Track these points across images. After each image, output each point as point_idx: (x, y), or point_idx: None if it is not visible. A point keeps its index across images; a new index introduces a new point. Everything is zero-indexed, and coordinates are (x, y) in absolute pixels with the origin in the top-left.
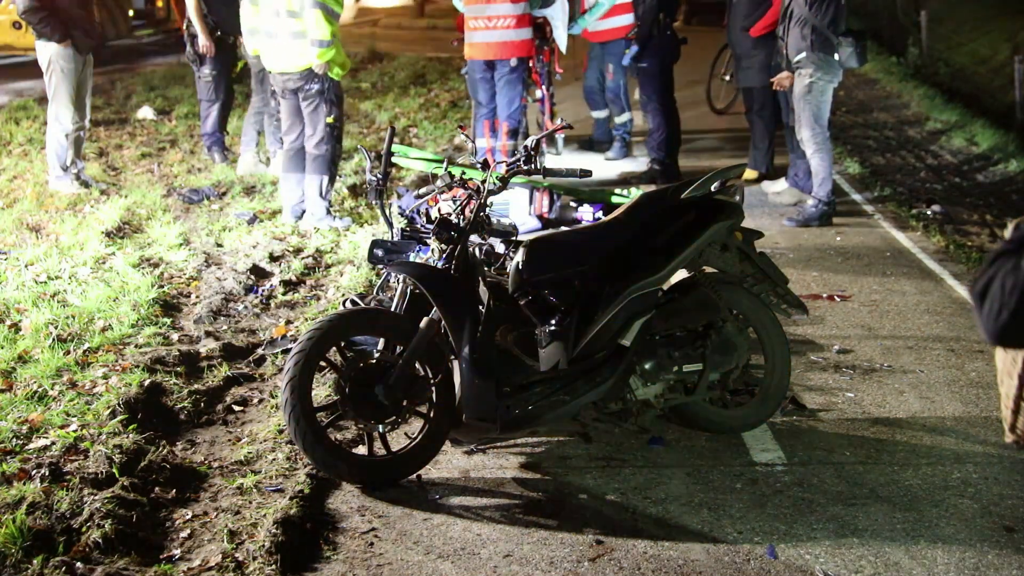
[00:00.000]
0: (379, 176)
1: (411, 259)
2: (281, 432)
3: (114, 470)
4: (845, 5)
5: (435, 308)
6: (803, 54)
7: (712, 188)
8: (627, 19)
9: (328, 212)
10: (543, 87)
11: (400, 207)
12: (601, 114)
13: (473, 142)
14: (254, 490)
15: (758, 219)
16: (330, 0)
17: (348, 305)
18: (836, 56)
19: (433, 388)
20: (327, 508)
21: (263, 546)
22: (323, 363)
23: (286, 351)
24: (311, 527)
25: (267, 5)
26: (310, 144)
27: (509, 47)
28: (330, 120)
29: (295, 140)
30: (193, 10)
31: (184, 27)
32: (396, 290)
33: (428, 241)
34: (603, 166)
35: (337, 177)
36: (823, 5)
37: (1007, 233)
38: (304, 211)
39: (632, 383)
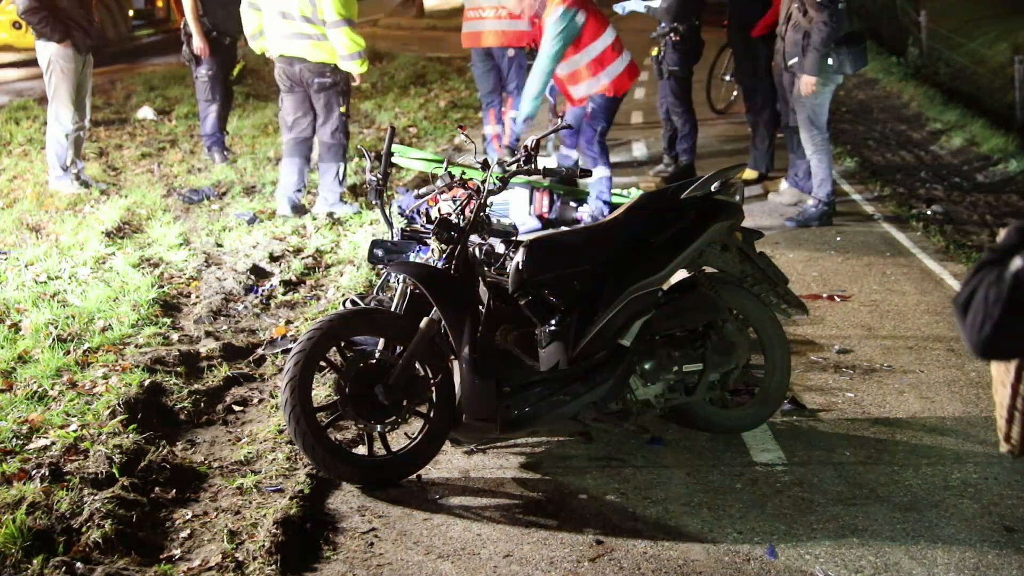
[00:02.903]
0: (379, 176)
1: (411, 259)
2: (281, 432)
3: (114, 470)
4: (844, 12)
5: (435, 308)
6: (796, 59)
7: (712, 188)
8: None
9: (341, 199)
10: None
11: (400, 207)
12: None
13: (473, 142)
14: (254, 490)
15: (758, 219)
16: (350, 11)
17: (348, 305)
18: (830, 61)
19: (433, 388)
20: (327, 508)
21: (263, 546)
22: (323, 363)
23: (286, 351)
24: (311, 527)
25: (270, 7)
26: (325, 134)
27: (499, 36)
28: (342, 110)
29: (301, 131)
30: (189, 11)
31: (182, 27)
32: (396, 290)
33: (428, 241)
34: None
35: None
36: (820, 13)
37: (1000, 238)
38: (298, 200)
39: (632, 383)
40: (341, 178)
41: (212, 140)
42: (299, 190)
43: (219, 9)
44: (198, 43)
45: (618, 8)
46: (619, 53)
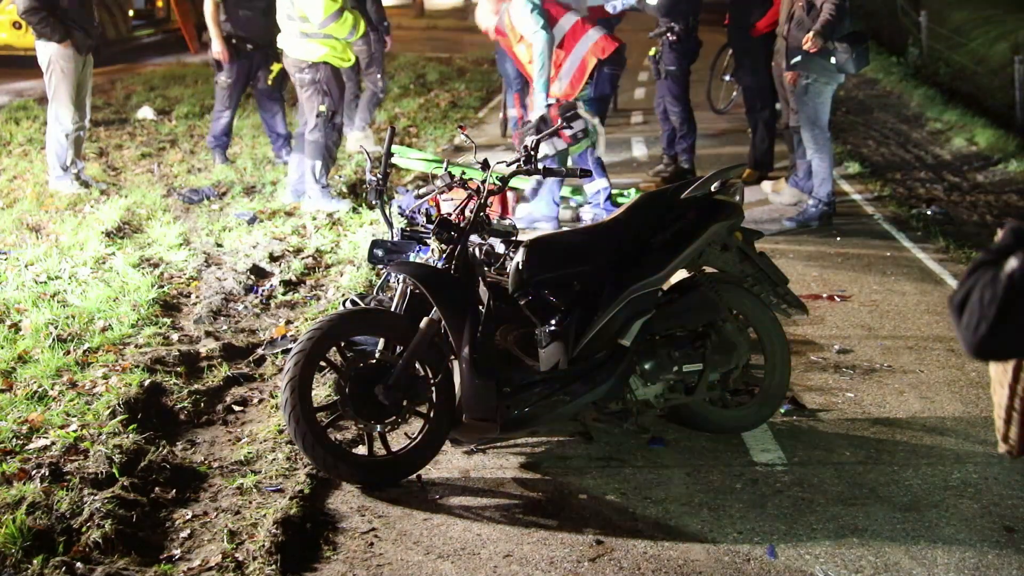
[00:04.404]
0: (379, 176)
1: (411, 259)
2: (281, 432)
3: (114, 470)
4: (846, 10)
5: (435, 308)
6: (799, 57)
7: (712, 188)
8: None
9: (326, 194)
10: None
11: (400, 207)
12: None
13: (474, 143)
14: (254, 490)
15: (758, 219)
16: (335, 5)
17: (348, 305)
18: (832, 60)
19: (433, 388)
20: (327, 508)
21: (263, 546)
22: (323, 363)
23: (286, 351)
24: (311, 527)
25: (280, 10)
26: (306, 130)
27: None
28: (321, 108)
29: (302, 126)
30: (209, 15)
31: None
32: (396, 290)
33: (428, 241)
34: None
35: (334, 164)
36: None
37: (997, 239)
38: (304, 191)
39: (632, 383)
40: (318, 176)
41: (217, 143)
42: (302, 181)
43: (240, 15)
44: (217, 48)
45: (608, 7)
46: (568, 52)
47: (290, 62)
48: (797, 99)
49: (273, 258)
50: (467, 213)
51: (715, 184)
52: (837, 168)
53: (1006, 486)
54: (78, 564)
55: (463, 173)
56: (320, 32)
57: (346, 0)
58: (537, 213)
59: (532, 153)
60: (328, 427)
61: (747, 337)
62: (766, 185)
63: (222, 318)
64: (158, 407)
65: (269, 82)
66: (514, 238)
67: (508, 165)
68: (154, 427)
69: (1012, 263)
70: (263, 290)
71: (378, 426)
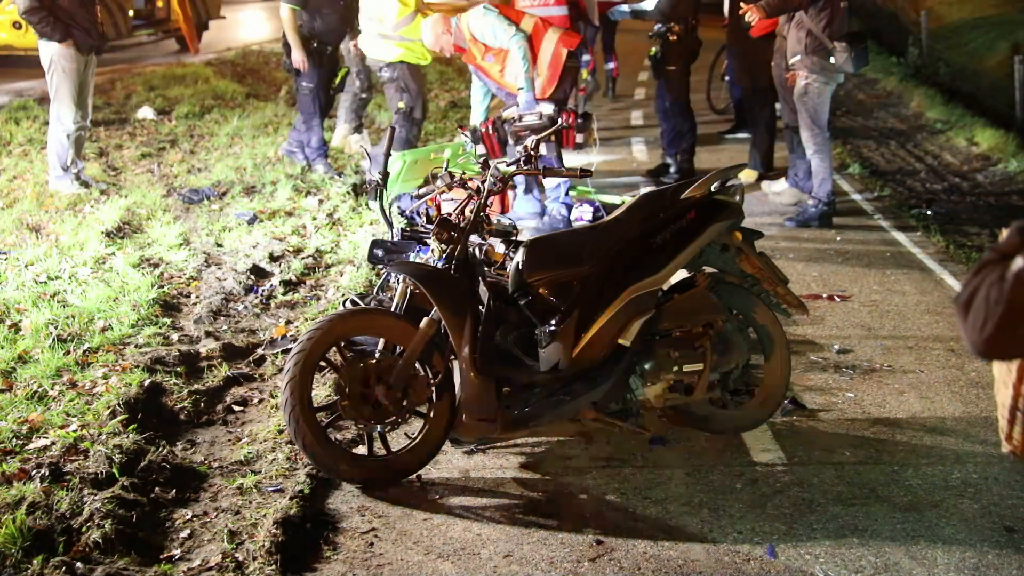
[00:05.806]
0: (379, 176)
1: (411, 259)
2: (281, 432)
3: (114, 470)
4: (844, 10)
5: (435, 308)
6: (797, 57)
7: (712, 188)
8: None
9: None
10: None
11: (400, 207)
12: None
13: (474, 144)
14: (254, 490)
15: (758, 219)
16: (411, 6)
17: (348, 305)
18: (831, 60)
19: (433, 388)
20: (327, 508)
21: (263, 546)
22: (323, 363)
23: (286, 351)
24: (311, 527)
25: (363, 11)
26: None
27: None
28: (400, 105)
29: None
30: (287, 23)
31: (282, 37)
32: (396, 290)
33: (428, 241)
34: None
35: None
36: (820, 10)
37: (1001, 238)
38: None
39: (632, 383)
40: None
41: (318, 153)
42: None
43: (319, 18)
44: (298, 56)
45: (610, 15)
46: (536, 52)
47: (370, 61)
48: (796, 99)
49: (273, 258)
50: (467, 213)
51: (715, 184)
52: (837, 168)
53: (1006, 486)
54: (78, 564)
55: (463, 173)
56: (395, 34)
57: (420, 3)
58: (522, 212)
59: (532, 153)
60: (328, 427)
61: (747, 337)
62: (766, 185)
63: (222, 318)
64: (158, 407)
65: (334, 85)
66: (514, 238)
67: (508, 165)
68: (154, 427)
69: (1019, 262)
70: (263, 290)
71: (378, 426)
